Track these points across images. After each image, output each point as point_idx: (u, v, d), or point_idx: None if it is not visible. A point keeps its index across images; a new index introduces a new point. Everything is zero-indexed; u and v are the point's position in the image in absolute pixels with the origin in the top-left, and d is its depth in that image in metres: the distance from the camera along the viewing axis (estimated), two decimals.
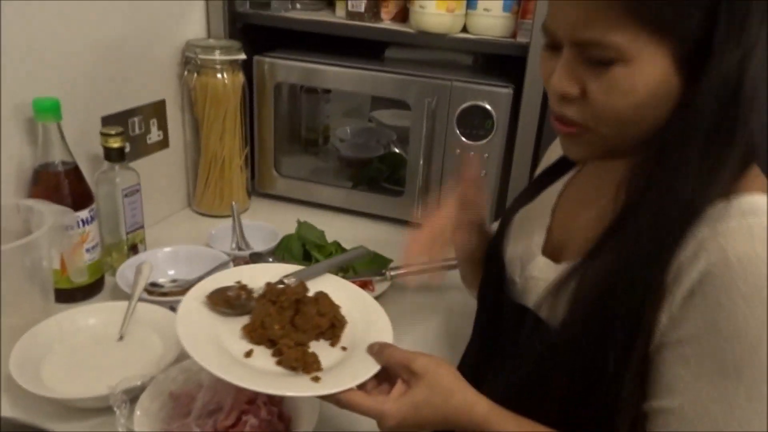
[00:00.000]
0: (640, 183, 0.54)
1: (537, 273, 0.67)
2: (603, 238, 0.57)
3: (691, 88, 0.51)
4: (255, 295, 0.71)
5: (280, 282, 0.73)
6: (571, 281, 0.58)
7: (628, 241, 0.54)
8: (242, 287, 0.72)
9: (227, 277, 0.74)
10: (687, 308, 0.51)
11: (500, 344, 0.71)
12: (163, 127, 1.20)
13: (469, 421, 0.59)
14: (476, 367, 0.75)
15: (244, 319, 0.69)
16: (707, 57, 0.50)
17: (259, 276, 0.74)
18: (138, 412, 0.68)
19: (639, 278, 0.53)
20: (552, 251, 0.68)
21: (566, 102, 0.57)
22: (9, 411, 0.74)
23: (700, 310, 0.50)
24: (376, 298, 0.78)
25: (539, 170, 0.83)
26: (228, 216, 1.17)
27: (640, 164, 0.55)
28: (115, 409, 0.67)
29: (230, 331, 0.68)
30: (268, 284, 0.72)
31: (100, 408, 0.73)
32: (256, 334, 0.67)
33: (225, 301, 0.70)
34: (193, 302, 0.70)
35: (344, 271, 1.01)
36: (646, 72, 0.51)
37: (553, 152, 0.81)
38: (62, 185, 0.91)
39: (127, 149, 1.02)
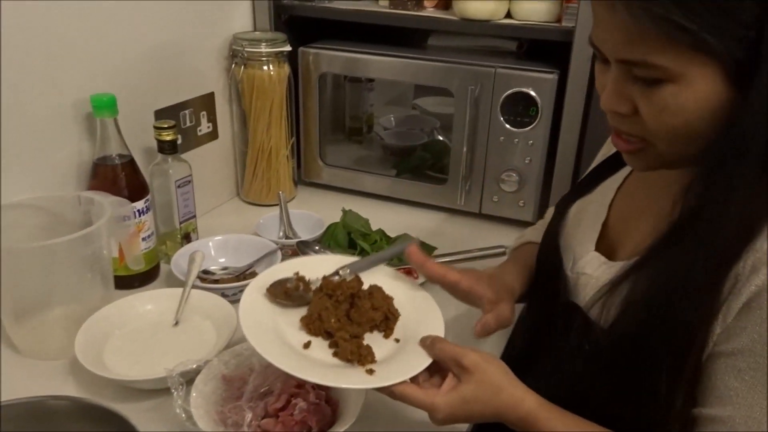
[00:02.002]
0: (699, 194, 0.53)
1: (589, 269, 0.66)
2: (660, 243, 0.56)
3: (744, 100, 0.49)
4: (312, 286, 0.73)
5: (336, 274, 0.75)
6: (624, 284, 0.58)
7: (685, 251, 0.53)
8: (300, 279, 0.74)
9: (285, 269, 0.76)
10: (742, 320, 0.51)
11: (549, 339, 0.71)
12: (212, 119, 1.24)
13: (517, 416, 0.60)
14: (522, 359, 0.75)
15: (302, 311, 0.71)
16: (756, 70, 0.48)
17: (315, 267, 0.76)
18: (194, 394, 0.71)
19: (694, 288, 0.52)
20: (606, 247, 0.67)
21: (620, 118, 0.57)
22: (75, 391, 0.79)
23: (756, 324, 0.50)
24: (420, 285, 0.79)
25: (596, 161, 0.81)
26: (275, 205, 1.20)
27: (699, 175, 0.53)
28: (172, 390, 0.70)
29: (289, 322, 0.70)
30: (325, 278, 0.74)
31: (158, 389, 0.76)
32: (313, 326, 0.69)
33: (284, 293, 0.72)
34: (254, 294, 0.72)
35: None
36: (696, 89, 0.50)
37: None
38: (119, 177, 0.95)
39: (179, 141, 1.05)
